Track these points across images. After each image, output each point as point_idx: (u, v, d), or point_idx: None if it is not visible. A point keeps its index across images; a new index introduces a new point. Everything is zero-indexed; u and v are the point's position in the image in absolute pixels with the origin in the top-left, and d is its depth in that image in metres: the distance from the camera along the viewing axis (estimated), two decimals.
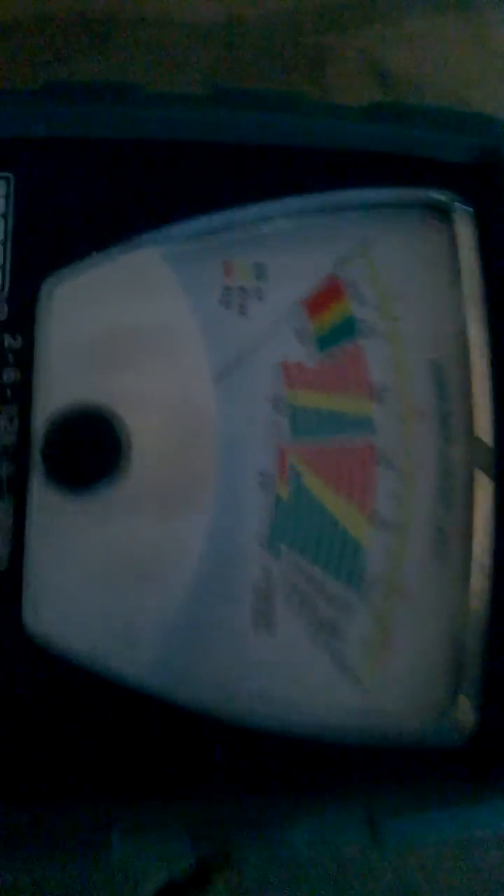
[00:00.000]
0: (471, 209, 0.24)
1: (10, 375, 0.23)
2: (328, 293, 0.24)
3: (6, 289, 0.23)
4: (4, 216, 0.23)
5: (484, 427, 0.24)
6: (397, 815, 0.22)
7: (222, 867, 0.28)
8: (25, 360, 0.23)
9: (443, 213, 0.24)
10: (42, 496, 0.22)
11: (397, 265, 0.25)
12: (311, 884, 0.28)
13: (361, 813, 0.22)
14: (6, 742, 0.22)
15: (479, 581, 0.24)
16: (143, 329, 0.23)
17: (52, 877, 0.27)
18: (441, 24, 0.34)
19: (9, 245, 0.23)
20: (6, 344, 0.23)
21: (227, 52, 0.34)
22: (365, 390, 0.24)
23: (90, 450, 0.23)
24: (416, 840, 0.22)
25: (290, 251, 0.24)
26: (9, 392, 0.23)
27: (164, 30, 0.33)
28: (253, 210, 0.24)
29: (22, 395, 0.23)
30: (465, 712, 0.23)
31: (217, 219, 0.24)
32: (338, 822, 0.22)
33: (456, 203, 0.24)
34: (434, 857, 0.29)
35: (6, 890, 0.27)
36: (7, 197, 0.23)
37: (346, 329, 0.24)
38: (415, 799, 0.22)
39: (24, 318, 0.23)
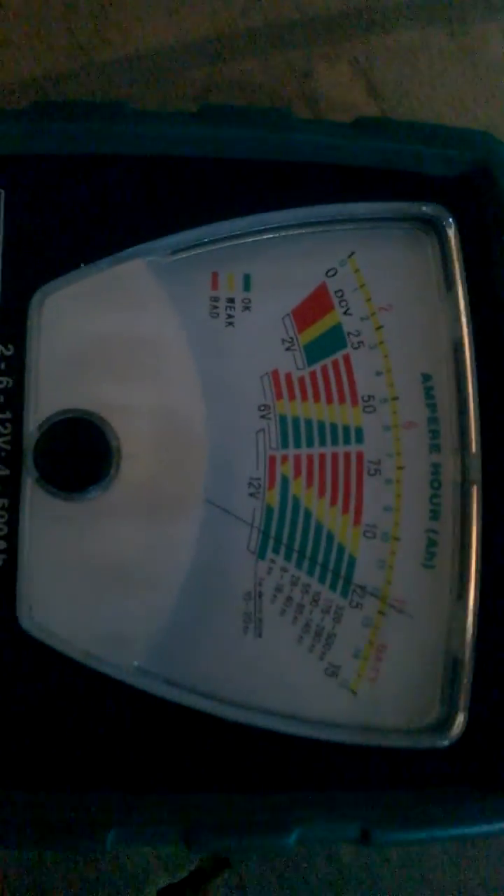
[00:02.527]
0: (456, 221, 0.27)
1: (3, 382, 0.26)
2: (316, 304, 0.27)
3: None
4: None
5: (473, 437, 0.27)
6: (390, 820, 0.24)
7: (222, 870, 0.30)
8: (17, 368, 0.26)
9: (429, 226, 0.27)
10: (35, 499, 0.25)
11: (384, 277, 0.27)
12: (311, 888, 0.31)
13: (355, 819, 0.24)
14: (4, 730, 0.25)
15: (468, 590, 0.26)
16: (131, 338, 0.26)
17: (56, 882, 0.30)
18: (430, 36, 0.37)
19: (0, 257, 0.26)
20: None
21: (217, 66, 0.36)
22: (354, 401, 0.27)
23: (81, 455, 0.25)
24: (408, 840, 0.24)
25: (278, 263, 0.27)
26: (2, 398, 0.26)
27: (153, 45, 0.36)
28: (240, 223, 0.26)
29: (14, 402, 0.25)
30: (454, 714, 0.25)
31: (204, 231, 0.26)
32: (332, 828, 0.24)
33: (442, 216, 0.27)
34: (435, 862, 0.31)
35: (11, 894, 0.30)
36: None
37: (335, 340, 0.27)
38: (405, 799, 0.24)
39: (15, 328, 0.26)
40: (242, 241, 0.27)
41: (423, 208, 0.27)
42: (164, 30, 0.36)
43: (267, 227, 0.27)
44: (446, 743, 0.25)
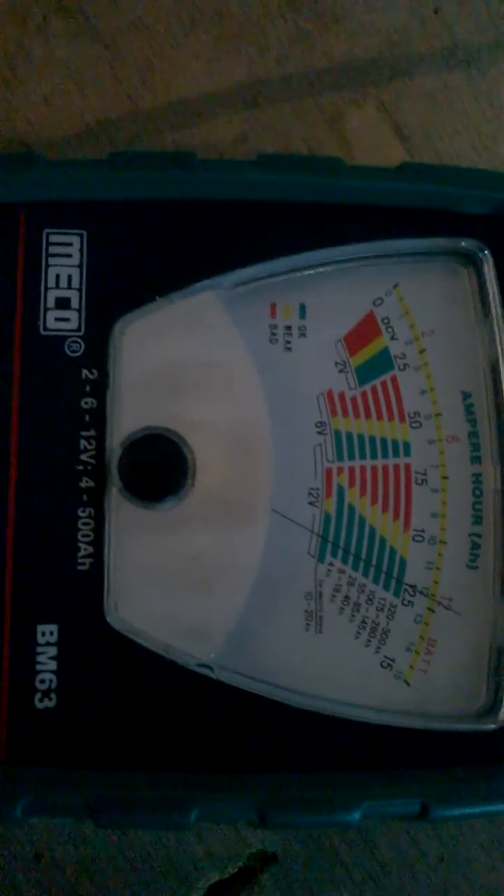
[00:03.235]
0: (492, 254, 0.30)
1: (88, 403, 0.29)
2: (365, 330, 0.30)
3: (82, 329, 0.29)
4: (80, 267, 0.29)
5: None
6: (446, 797, 0.27)
7: (269, 866, 0.33)
8: (100, 390, 0.29)
9: (467, 259, 0.31)
10: (118, 509, 0.28)
11: (427, 305, 0.31)
12: (354, 883, 0.33)
13: (415, 795, 0.27)
14: (96, 717, 0.28)
15: None
16: (202, 362, 0.29)
17: (111, 878, 0.32)
18: (450, 79, 0.39)
19: (84, 291, 0.29)
20: (84, 376, 0.29)
21: (253, 111, 0.39)
22: (401, 417, 0.30)
23: (160, 468, 0.28)
24: (462, 815, 0.27)
25: (330, 294, 0.30)
26: (87, 417, 0.29)
27: (194, 93, 0.39)
28: (297, 259, 0.30)
29: (98, 421, 0.29)
30: (499, 700, 0.29)
31: (265, 266, 0.30)
32: (393, 804, 0.27)
33: (479, 249, 0.30)
34: (473, 857, 0.34)
35: (68, 890, 0.32)
36: (81, 251, 0.29)
37: (383, 362, 0.30)
38: (458, 778, 0.27)
39: (98, 355, 0.29)
40: (298, 274, 0.30)
41: (462, 243, 0.30)
42: (204, 78, 0.39)
43: (320, 262, 0.30)
44: (493, 726, 0.28)
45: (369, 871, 0.34)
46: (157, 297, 0.29)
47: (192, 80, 0.39)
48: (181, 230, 0.30)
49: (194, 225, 0.30)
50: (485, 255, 0.30)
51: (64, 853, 0.33)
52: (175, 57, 0.39)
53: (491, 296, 0.30)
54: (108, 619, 0.28)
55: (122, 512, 0.28)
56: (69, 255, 0.29)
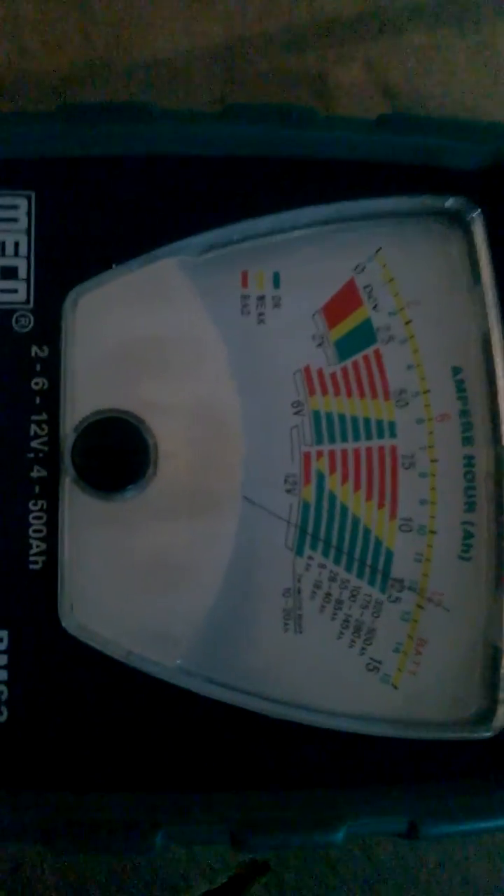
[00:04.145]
0: (481, 214, 0.27)
1: (39, 384, 0.26)
2: (345, 300, 0.27)
3: (31, 301, 0.26)
4: (27, 232, 0.26)
5: None
6: (436, 813, 0.25)
7: (261, 875, 0.31)
8: (52, 369, 0.26)
9: (455, 219, 0.27)
10: (74, 500, 0.26)
11: (412, 271, 0.28)
12: (350, 891, 0.32)
13: (402, 813, 0.25)
14: (51, 732, 0.25)
15: None
16: (165, 337, 0.26)
17: (95, 892, 0.31)
18: (442, 36, 0.38)
19: (32, 259, 0.26)
20: (34, 354, 0.26)
21: (233, 70, 0.37)
22: (386, 395, 0.27)
23: (119, 455, 0.26)
24: (455, 832, 0.25)
25: (306, 260, 0.27)
26: (38, 399, 0.26)
27: (169, 51, 0.37)
28: (268, 221, 0.27)
29: (50, 404, 0.26)
30: (495, 705, 0.26)
31: (233, 230, 0.27)
32: (379, 822, 0.25)
33: (467, 209, 0.27)
34: (473, 863, 0.32)
35: None
36: (29, 214, 0.27)
37: (365, 335, 0.27)
38: (451, 792, 0.25)
39: (49, 329, 0.26)
40: (270, 239, 0.27)
41: (449, 202, 0.27)
42: (179, 35, 0.37)
43: (294, 224, 0.27)
44: (489, 734, 0.26)
45: (365, 879, 0.32)
46: (114, 265, 0.26)
47: (166, 39, 0.37)
48: (140, 190, 0.27)
49: (154, 184, 0.27)
50: (474, 215, 0.27)
51: (45, 865, 0.31)
52: (148, 14, 0.37)
53: (481, 260, 0.27)
54: (63, 623, 0.25)
55: (77, 504, 0.26)
56: (15, 220, 0.27)
